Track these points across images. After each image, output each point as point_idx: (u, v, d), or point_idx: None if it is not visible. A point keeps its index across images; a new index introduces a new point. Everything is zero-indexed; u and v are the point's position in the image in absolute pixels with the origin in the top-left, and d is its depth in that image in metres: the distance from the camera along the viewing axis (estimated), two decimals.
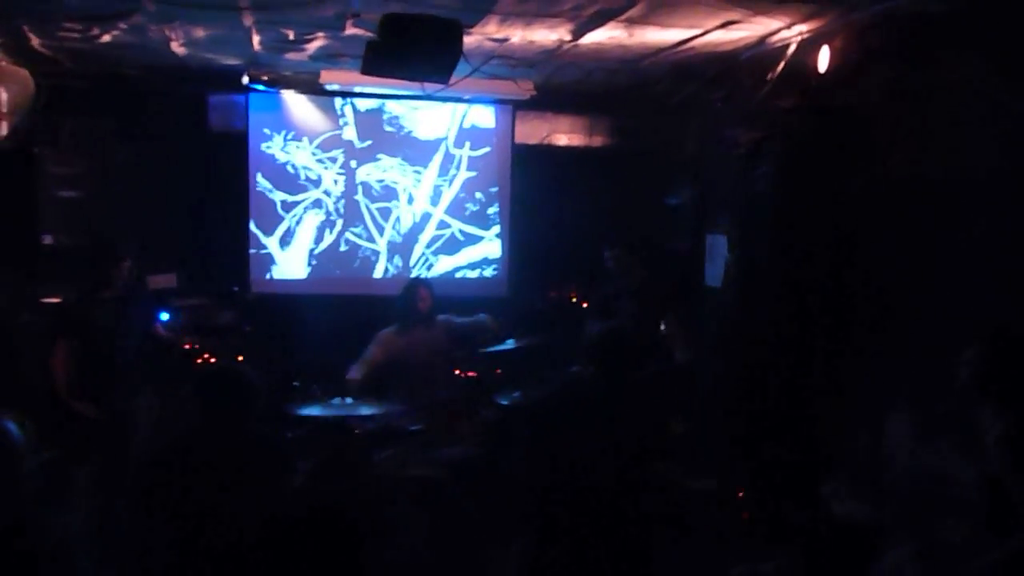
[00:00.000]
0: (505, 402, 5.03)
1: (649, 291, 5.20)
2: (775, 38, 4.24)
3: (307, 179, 6.23)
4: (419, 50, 3.67)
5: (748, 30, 4.14)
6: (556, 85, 5.55)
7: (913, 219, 3.73)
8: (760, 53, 4.39)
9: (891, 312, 3.89)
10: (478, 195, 6.45)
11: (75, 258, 4.79)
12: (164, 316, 5.53)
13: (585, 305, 6.11)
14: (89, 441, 4.37)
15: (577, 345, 5.37)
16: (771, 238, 4.29)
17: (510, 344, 5.27)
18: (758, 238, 4.41)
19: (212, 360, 5.52)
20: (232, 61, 5.31)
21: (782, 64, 4.27)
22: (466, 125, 6.38)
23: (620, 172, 6.46)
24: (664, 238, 6.03)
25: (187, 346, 5.41)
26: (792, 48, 4.20)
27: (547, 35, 4.29)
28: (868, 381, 4.01)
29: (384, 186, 6.34)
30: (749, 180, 4.39)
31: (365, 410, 4.64)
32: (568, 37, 4.30)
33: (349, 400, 4.61)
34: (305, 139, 6.18)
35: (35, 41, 4.65)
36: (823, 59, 4.03)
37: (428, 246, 6.44)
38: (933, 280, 3.64)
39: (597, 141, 6.67)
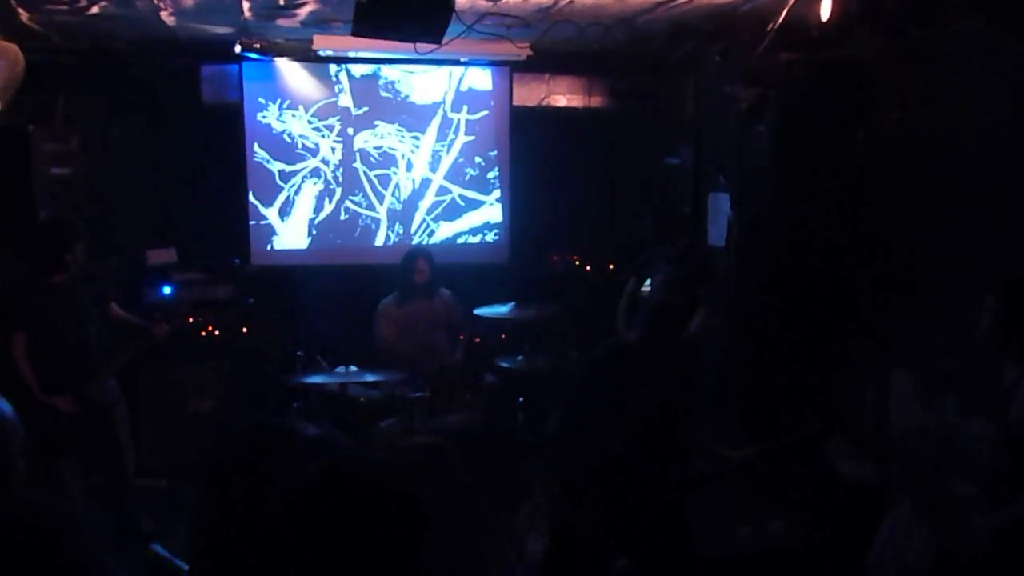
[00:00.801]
0: (508, 365, 5.04)
1: (688, 258, 4.90)
2: None
3: (304, 148, 6.17)
4: (409, 9, 3.60)
5: None
6: (552, 45, 5.45)
7: (917, 172, 3.68)
8: (760, 4, 4.28)
9: (895, 269, 3.85)
10: (477, 159, 6.39)
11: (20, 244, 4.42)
12: (166, 290, 5.55)
13: (588, 269, 6.07)
14: (70, 433, 4.15)
15: (579, 310, 5.37)
16: (773, 195, 4.24)
17: (511, 309, 5.26)
18: (760, 195, 4.36)
19: (216, 333, 5.54)
20: (223, 30, 5.23)
21: (783, 15, 4.17)
22: (463, 88, 6.29)
23: (619, 133, 6.39)
24: (665, 198, 5.96)
25: (190, 319, 5.42)
26: None
27: None
28: (871, 339, 3.99)
29: (382, 153, 6.28)
30: (750, 136, 4.32)
31: (369, 378, 4.67)
32: None
33: (353, 368, 4.63)
34: (301, 107, 6.11)
35: (24, 16, 4.58)
36: (825, 9, 3.93)
37: (429, 212, 6.39)
38: (938, 235, 3.59)
39: (596, 102, 6.58)
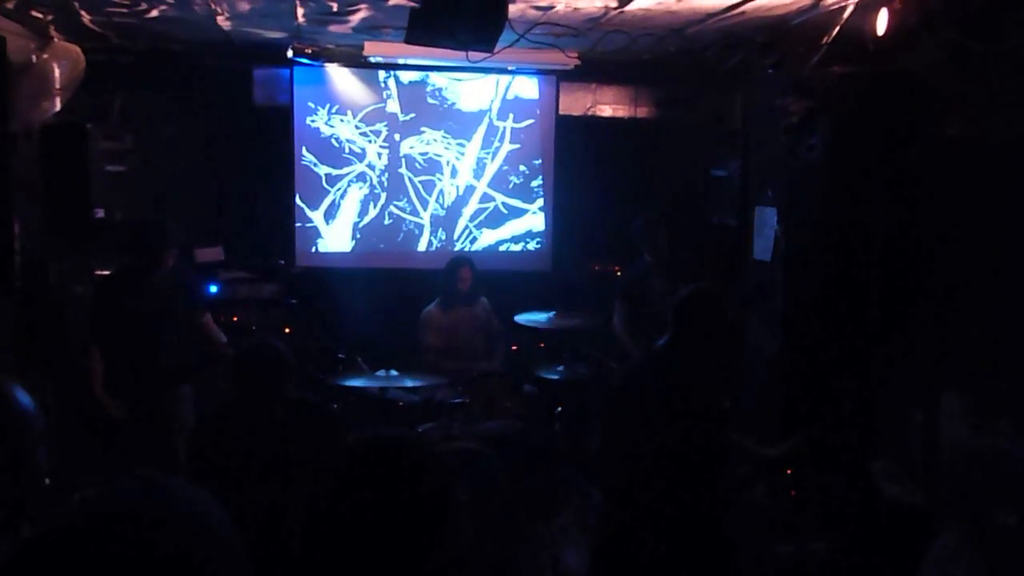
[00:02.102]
0: (549, 376, 5.02)
1: (680, 267, 5.03)
2: (830, 0, 4.08)
3: (351, 152, 6.24)
4: (463, 18, 3.62)
5: None
6: (601, 54, 5.44)
7: (973, 189, 3.58)
8: (814, 17, 4.23)
9: (949, 287, 3.75)
10: (522, 168, 6.40)
11: (124, 234, 4.59)
12: (213, 288, 5.63)
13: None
14: (115, 439, 4.21)
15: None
16: (823, 210, 4.17)
17: (552, 318, 5.24)
18: (810, 210, 4.28)
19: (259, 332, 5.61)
20: (276, 34, 5.32)
21: (837, 28, 4.11)
22: (509, 96, 6.31)
23: (665, 143, 6.34)
24: (710, 210, 5.91)
25: (235, 318, 5.49)
26: (848, 11, 4.04)
27: (592, 1, 4.19)
28: (923, 359, 3.89)
29: (427, 159, 6.32)
30: (800, 150, 4.26)
31: (409, 382, 4.68)
32: (614, 3, 4.19)
33: (394, 372, 4.65)
34: (349, 112, 6.18)
35: (85, 18, 4.71)
36: (881, 22, 3.86)
37: (472, 219, 6.42)
38: (995, 253, 3.50)
39: (642, 112, 6.55)
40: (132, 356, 4.23)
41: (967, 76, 3.52)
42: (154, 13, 4.57)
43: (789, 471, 4.27)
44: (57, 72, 4.85)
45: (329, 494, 1.43)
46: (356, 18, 4.77)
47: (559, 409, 4.99)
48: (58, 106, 4.90)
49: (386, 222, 6.32)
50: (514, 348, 5.73)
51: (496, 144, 6.35)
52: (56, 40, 4.91)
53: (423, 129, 6.27)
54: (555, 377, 5.00)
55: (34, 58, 4.75)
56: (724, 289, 4.25)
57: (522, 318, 5.29)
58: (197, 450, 3.22)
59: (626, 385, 3.66)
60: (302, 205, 6.20)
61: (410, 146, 6.29)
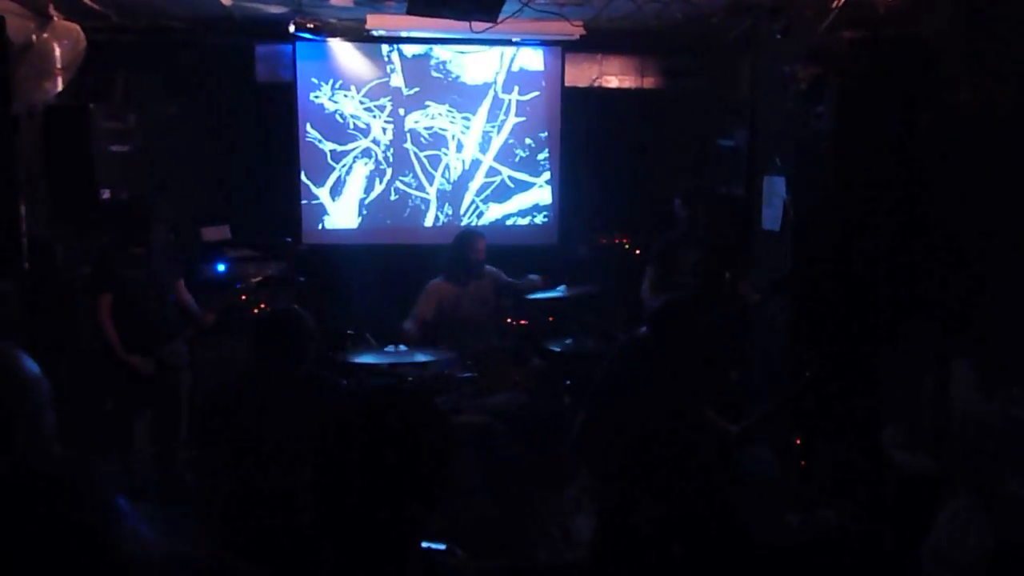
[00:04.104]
0: (556, 348, 5.02)
1: (714, 239, 5.06)
2: None
3: (356, 128, 6.20)
4: None
5: None
6: (607, 22, 5.38)
7: (983, 155, 3.54)
8: None
9: (960, 254, 3.72)
10: (528, 141, 6.35)
11: (113, 214, 4.82)
12: (220, 267, 5.64)
13: (638, 252, 6.01)
14: (142, 391, 4.51)
15: (627, 292, 5.33)
16: (832, 178, 4.12)
17: (561, 291, 5.23)
18: (818, 178, 4.24)
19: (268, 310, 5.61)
20: (278, 10, 5.27)
21: None
22: (514, 69, 6.25)
23: (672, 114, 6.28)
24: (718, 181, 5.86)
25: (243, 296, 5.49)
26: None
27: None
28: (933, 326, 3.87)
29: (433, 133, 6.28)
30: (808, 118, 4.21)
31: (418, 357, 4.68)
32: None
33: (403, 348, 4.65)
34: (353, 87, 6.14)
35: None
36: None
37: (478, 194, 6.39)
38: (1006, 219, 3.46)
39: (648, 82, 6.48)
40: (140, 316, 4.48)
41: (977, 41, 3.46)
42: None
43: (798, 440, 4.27)
44: (58, 52, 4.81)
45: (331, 446, 1.44)
46: None
47: (568, 382, 5.00)
48: (60, 86, 4.87)
49: (392, 198, 6.30)
50: (523, 322, 5.73)
51: (502, 117, 6.30)
52: (56, 19, 4.87)
53: (428, 103, 6.22)
54: (563, 350, 5.00)
55: (34, 38, 4.71)
56: (704, 300, 4.32)
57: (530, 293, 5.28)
58: (208, 418, 3.22)
59: (611, 366, 3.71)
60: (307, 182, 6.18)
61: (415, 120, 6.25)
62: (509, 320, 5.57)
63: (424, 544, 1.48)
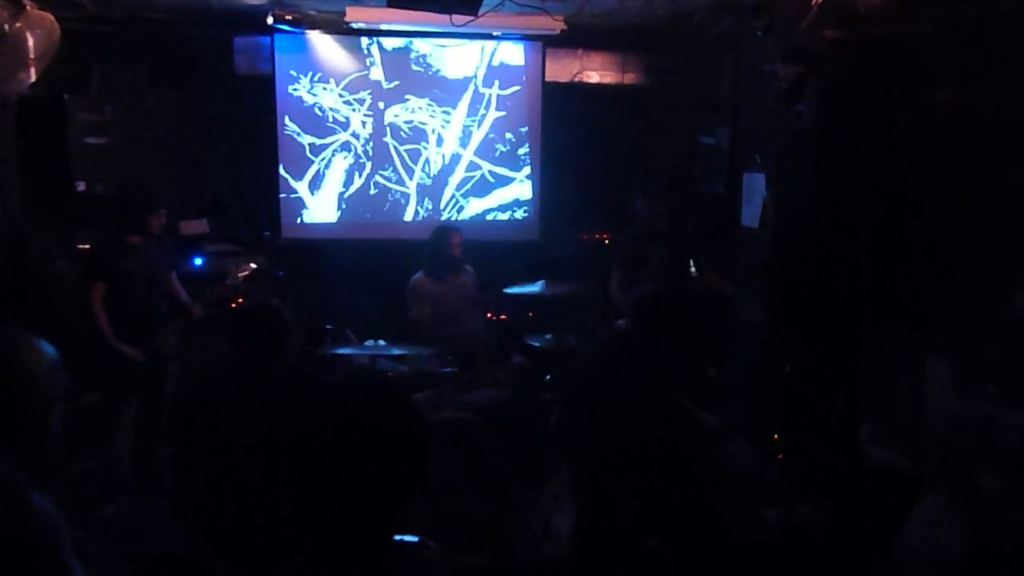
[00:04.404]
0: (537, 344, 5.02)
1: (678, 235, 5.08)
2: None
3: (335, 121, 6.15)
4: None
5: None
6: (589, 18, 5.37)
7: (963, 155, 3.58)
8: None
9: (937, 252, 3.77)
10: (508, 135, 6.34)
11: (107, 203, 4.76)
12: (198, 261, 5.58)
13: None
14: (131, 381, 4.50)
15: (607, 288, 5.34)
16: (812, 176, 4.16)
17: (541, 287, 5.23)
18: (799, 176, 4.27)
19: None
20: (257, 1, 5.21)
21: None
22: (495, 63, 6.23)
23: (653, 110, 6.29)
24: (699, 178, 5.89)
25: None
26: None
27: None
28: (909, 324, 3.92)
29: (412, 127, 6.25)
30: (789, 116, 4.23)
31: (398, 351, 4.68)
32: None
33: (382, 343, 4.64)
34: (332, 80, 6.09)
35: None
36: None
37: (458, 188, 6.37)
38: (984, 220, 3.51)
39: (630, 79, 6.48)
40: (133, 307, 4.47)
41: (959, 41, 3.50)
42: None
43: (776, 436, 4.31)
44: (31, 41, 4.72)
45: (307, 440, 1.44)
46: None
47: (548, 377, 5.01)
48: (34, 77, 4.78)
49: (372, 192, 6.27)
50: (503, 317, 5.73)
51: (482, 112, 6.28)
52: (30, 8, 4.78)
53: (408, 97, 6.19)
54: (543, 346, 5.00)
55: (6, 27, 4.62)
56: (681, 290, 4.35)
57: (511, 288, 5.28)
58: (185, 414, 3.20)
59: (589, 360, 3.72)
60: (286, 176, 6.13)
61: (395, 114, 6.21)
62: (490, 315, 5.56)
63: (397, 537, 1.49)
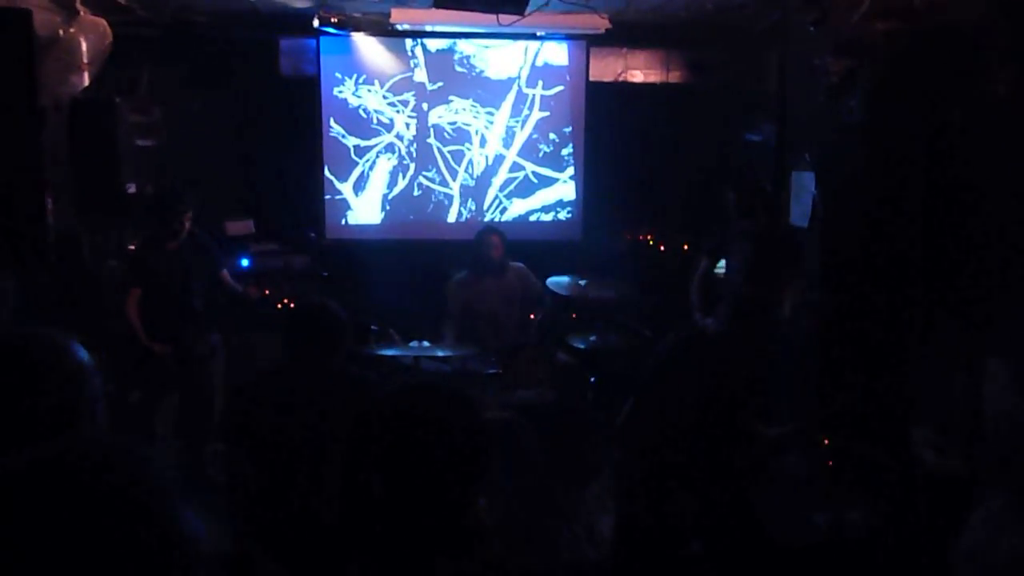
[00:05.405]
0: (581, 345, 4.98)
1: (769, 236, 4.83)
2: None
3: (379, 123, 6.19)
4: None
5: None
6: (634, 15, 5.32)
7: (1018, 151, 3.45)
8: None
9: (994, 250, 3.64)
10: (551, 136, 6.31)
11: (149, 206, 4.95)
12: (245, 262, 5.65)
13: (663, 248, 5.96)
14: (164, 380, 4.66)
15: (651, 289, 5.28)
16: (863, 173, 4.05)
17: (583, 286, 5.18)
18: (849, 174, 4.16)
19: (291, 305, 5.61)
20: (302, 3, 5.27)
21: None
22: (538, 63, 6.21)
23: (698, 108, 6.21)
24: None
25: (267, 292, 5.50)
26: None
27: None
28: (966, 323, 3.79)
29: (456, 128, 6.25)
30: (839, 112, 4.13)
31: (442, 352, 4.67)
32: None
33: (426, 343, 4.64)
34: (376, 82, 6.13)
35: None
36: None
37: (501, 189, 6.35)
38: None
39: (674, 76, 6.41)
40: (166, 307, 4.65)
41: (1016, 33, 3.37)
42: None
43: (826, 440, 4.20)
44: (84, 46, 4.83)
45: (361, 443, 1.41)
46: None
47: (592, 378, 4.96)
48: (86, 80, 4.89)
49: (415, 193, 6.29)
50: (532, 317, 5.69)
51: (525, 112, 6.27)
52: (83, 13, 4.89)
53: (451, 98, 6.20)
54: (587, 347, 4.96)
55: (61, 32, 4.74)
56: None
57: (552, 281, 5.26)
58: (236, 414, 3.20)
59: (665, 362, 3.64)
60: (331, 177, 6.18)
61: (438, 115, 6.22)
62: (533, 316, 5.53)
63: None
